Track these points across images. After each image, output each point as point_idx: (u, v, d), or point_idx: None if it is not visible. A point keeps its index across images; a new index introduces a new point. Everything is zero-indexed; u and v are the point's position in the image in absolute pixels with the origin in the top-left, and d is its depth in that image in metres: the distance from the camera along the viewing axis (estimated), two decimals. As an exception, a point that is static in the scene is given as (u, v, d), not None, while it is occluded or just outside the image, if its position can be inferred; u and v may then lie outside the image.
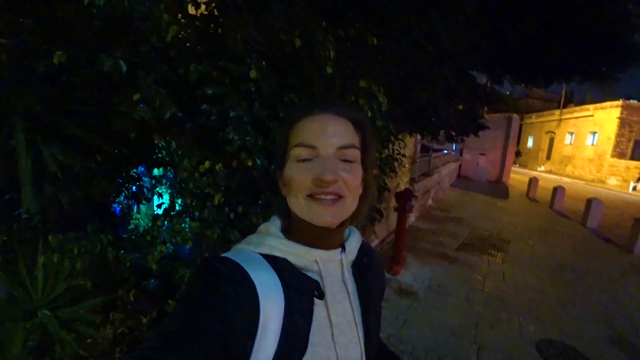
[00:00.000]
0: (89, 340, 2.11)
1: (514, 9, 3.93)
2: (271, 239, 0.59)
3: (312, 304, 0.58)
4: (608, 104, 19.67)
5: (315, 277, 0.59)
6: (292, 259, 0.58)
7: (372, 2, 2.22)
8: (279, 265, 0.57)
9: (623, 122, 18.87)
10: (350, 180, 0.56)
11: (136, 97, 1.47)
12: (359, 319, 0.63)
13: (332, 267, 0.62)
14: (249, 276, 0.53)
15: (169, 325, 0.46)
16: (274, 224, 0.63)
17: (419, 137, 5.89)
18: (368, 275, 0.69)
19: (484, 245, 5.80)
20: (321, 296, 0.58)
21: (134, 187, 2.22)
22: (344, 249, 0.64)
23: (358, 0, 2.24)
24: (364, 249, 0.70)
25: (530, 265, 5.08)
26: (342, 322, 0.60)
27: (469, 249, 5.54)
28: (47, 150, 1.46)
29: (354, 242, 0.67)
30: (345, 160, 0.56)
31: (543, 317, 3.56)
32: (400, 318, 3.26)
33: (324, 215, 0.55)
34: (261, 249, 0.59)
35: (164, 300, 2.34)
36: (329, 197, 0.55)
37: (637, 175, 16.99)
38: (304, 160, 0.56)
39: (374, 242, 4.94)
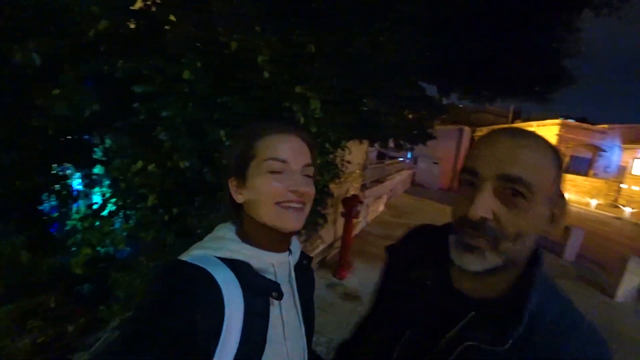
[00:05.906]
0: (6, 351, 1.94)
1: (457, 27, 4.18)
2: (232, 244, 0.62)
3: (268, 304, 0.62)
4: (549, 121, 21.40)
5: (272, 278, 0.64)
6: (252, 262, 0.62)
7: (316, 10, 2.28)
8: (238, 268, 0.60)
9: (561, 139, 20.61)
10: (311, 192, 0.65)
11: (55, 92, 1.40)
12: (301, 314, 0.71)
13: (282, 269, 0.67)
14: (215, 280, 0.55)
15: (131, 328, 0.47)
16: (230, 230, 0.66)
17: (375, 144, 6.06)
18: (305, 275, 0.76)
19: (431, 250, 6.04)
20: (280, 297, 0.62)
21: (57, 186, 2.07)
22: (290, 252, 0.70)
23: (303, 6, 2.29)
24: (303, 253, 0.78)
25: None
26: (290, 318, 0.67)
27: (417, 253, 5.74)
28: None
29: (296, 246, 0.75)
30: (306, 175, 0.65)
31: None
32: (343, 322, 3.32)
33: (293, 222, 0.63)
34: (221, 253, 0.61)
35: (95, 306, 2.21)
36: (297, 205, 0.63)
37: (570, 188, 18.64)
38: (276, 172, 0.61)
39: (320, 247, 4.98)
